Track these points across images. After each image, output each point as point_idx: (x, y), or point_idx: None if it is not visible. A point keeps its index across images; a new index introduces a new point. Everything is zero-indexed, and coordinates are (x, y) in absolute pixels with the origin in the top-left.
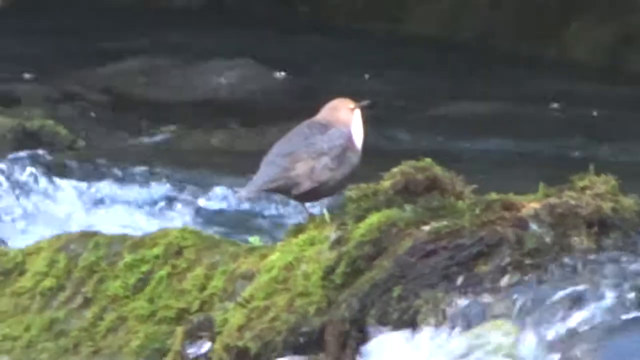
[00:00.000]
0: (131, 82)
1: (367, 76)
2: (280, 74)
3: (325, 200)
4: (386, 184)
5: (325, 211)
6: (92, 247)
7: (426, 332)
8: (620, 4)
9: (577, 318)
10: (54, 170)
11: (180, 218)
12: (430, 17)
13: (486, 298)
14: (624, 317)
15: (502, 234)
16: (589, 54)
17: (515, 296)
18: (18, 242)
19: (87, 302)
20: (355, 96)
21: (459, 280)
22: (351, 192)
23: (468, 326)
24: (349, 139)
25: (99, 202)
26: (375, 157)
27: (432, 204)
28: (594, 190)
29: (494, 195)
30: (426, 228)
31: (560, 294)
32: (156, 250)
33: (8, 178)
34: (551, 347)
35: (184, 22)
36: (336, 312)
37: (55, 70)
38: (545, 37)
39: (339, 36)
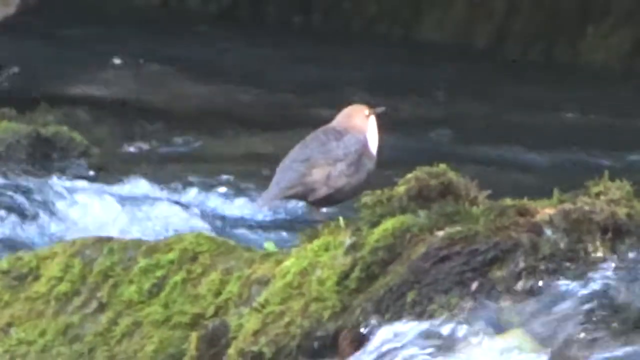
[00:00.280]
0: (146, 88)
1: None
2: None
3: (340, 206)
4: (400, 189)
5: (340, 217)
6: (106, 252)
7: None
8: (636, 9)
9: (592, 324)
10: (68, 176)
11: (195, 223)
12: (444, 22)
13: (500, 303)
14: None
15: (517, 239)
16: (605, 60)
17: (529, 302)
18: (32, 247)
19: (101, 307)
20: (368, 103)
21: (474, 285)
22: (366, 198)
23: (482, 331)
24: (365, 145)
25: (114, 207)
26: (390, 163)
27: (446, 209)
28: (608, 196)
29: (508, 201)
30: (440, 234)
31: (575, 299)
32: (171, 256)
33: (23, 184)
34: (566, 352)
35: (199, 29)
36: (351, 317)
37: (70, 76)
38: (561, 43)
39: (352, 42)
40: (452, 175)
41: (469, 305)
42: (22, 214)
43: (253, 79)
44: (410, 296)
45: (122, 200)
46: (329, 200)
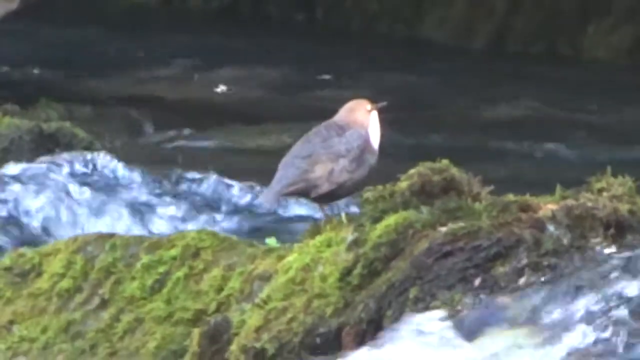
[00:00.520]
0: (148, 84)
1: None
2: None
3: (343, 202)
4: (403, 185)
5: (342, 213)
6: (109, 248)
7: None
8: (636, 6)
9: (594, 320)
10: (71, 171)
11: (197, 219)
12: (445, 21)
13: (503, 299)
14: None
15: (520, 235)
16: (607, 56)
17: (532, 298)
18: (35, 243)
19: (104, 304)
20: (371, 98)
21: (476, 281)
22: (368, 193)
23: (484, 327)
24: (367, 141)
25: (116, 203)
26: (392, 158)
27: (449, 205)
28: (611, 192)
29: (511, 197)
30: (443, 229)
31: (578, 295)
32: (173, 252)
33: (25, 179)
34: (569, 349)
35: (199, 25)
36: (353, 313)
37: (72, 72)
38: (562, 40)
39: (353, 40)
40: (454, 171)
41: (471, 301)
42: (25, 210)
43: (254, 76)
44: (412, 292)
45: (125, 196)
46: (331, 196)
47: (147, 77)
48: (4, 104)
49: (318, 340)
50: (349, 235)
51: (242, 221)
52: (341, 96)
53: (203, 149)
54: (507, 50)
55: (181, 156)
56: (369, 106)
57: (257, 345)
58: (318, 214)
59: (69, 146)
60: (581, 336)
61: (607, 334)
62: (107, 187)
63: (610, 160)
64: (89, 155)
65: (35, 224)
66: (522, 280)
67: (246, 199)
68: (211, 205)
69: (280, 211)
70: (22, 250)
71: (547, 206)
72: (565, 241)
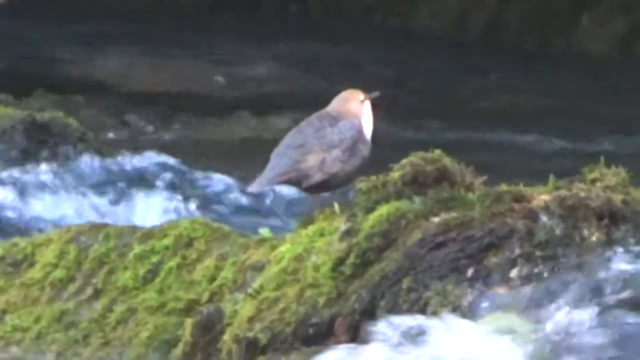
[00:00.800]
0: (140, 75)
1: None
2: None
3: (335, 192)
4: (395, 175)
5: (335, 203)
6: (102, 238)
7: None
8: None
9: (587, 310)
10: (64, 162)
11: (190, 209)
12: (438, 13)
13: (496, 290)
14: (635, 309)
15: (512, 225)
16: (600, 47)
17: (524, 288)
18: (27, 233)
19: (97, 294)
20: (364, 89)
21: (469, 272)
22: (361, 183)
23: (477, 317)
24: (360, 131)
25: (109, 193)
26: (385, 148)
27: (442, 195)
28: (604, 183)
29: (504, 187)
30: (436, 220)
31: (570, 286)
32: (166, 242)
33: (18, 170)
34: (560, 339)
35: (193, 18)
36: (346, 304)
37: (65, 62)
38: (555, 31)
39: (348, 31)
40: (447, 161)
41: (464, 291)
42: (18, 200)
43: (249, 66)
44: (405, 282)
45: (118, 186)
46: (323, 186)
47: (140, 67)
48: None
49: (311, 330)
50: (341, 225)
51: (234, 211)
52: (334, 87)
53: (196, 138)
54: (500, 42)
55: (175, 145)
56: (362, 96)
57: (250, 335)
58: (311, 205)
59: (61, 136)
60: (572, 324)
61: (598, 322)
62: (100, 177)
63: (604, 151)
64: (81, 145)
65: (28, 213)
66: (515, 271)
67: (239, 189)
68: (203, 195)
69: (273, 201)
70: (15, 239)
71: (541, 196)
72: (558, 232)
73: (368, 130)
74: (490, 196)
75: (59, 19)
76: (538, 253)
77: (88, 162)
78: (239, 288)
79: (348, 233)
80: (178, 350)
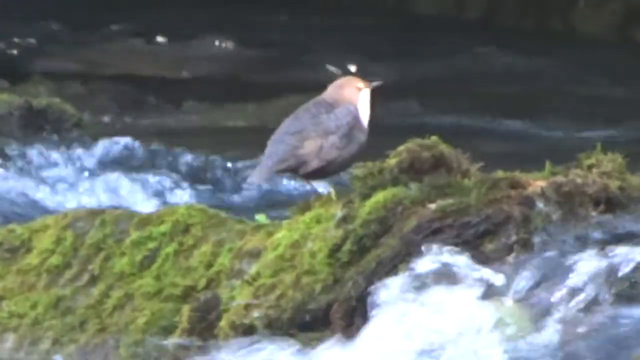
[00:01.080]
0: (135, 60)
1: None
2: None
3: (332, 179)
4: (392, 162)
5: (331, 189)
6: (98, 224)
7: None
8: None
9: (583, 295)
10: (60, 148)
11: (187, 195)
12: None
13: (492, 275)
14: (630, 294)
15: (509, 212)
16: (597, 31)
17: (521, 274)
18: (24, 219)
19: (93, 280)
20: (360, 75)
21: None
22: (357, 170)
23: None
24: (356, 118)
25: (106, 179)
26: (381, 135)
27: (438, 182)
28: (600, 169)
29: (500, 174)
30: (432, 206)
31: (566, 271)
32: (163, 228)
33: (15, 155)
34: (555, 324)
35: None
36: (342, 290)
37: (62, 48)
38: (553, 14)
39: (344, 15)
40: (443, 147)
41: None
42: (14, 186)
43: (245, 51)
44: (401, 269)
45: (114, 172)
46: (320, 172)
47: (136, 53)
48: None
49: (307, 317)
50: (338, 211)
51: (231, 197)
52: (329, 72)
53: (193, 125)
54: (498, 24)
55: (172, 132)
56: (360, 84)
57: (246, 321)
58: (307, 191)
59: (58, 122)
60: (568, 308)
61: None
62: (96, 163)
63: (600, 137)
64: (77, 131)
65: (25, 199)
66: (510, 257)
67: (236, 174)
68: (201, 180)
69: (270, 188)
70: (12, 226)
71: (537, 183)
72: (554, 218)
73: (365, 117)
74: (486, 183)
75: (56, 4)
76: (534, 239)
77: (85, 147)
78: (236, 274)
79: (344, 219)
80: (175, 337)
